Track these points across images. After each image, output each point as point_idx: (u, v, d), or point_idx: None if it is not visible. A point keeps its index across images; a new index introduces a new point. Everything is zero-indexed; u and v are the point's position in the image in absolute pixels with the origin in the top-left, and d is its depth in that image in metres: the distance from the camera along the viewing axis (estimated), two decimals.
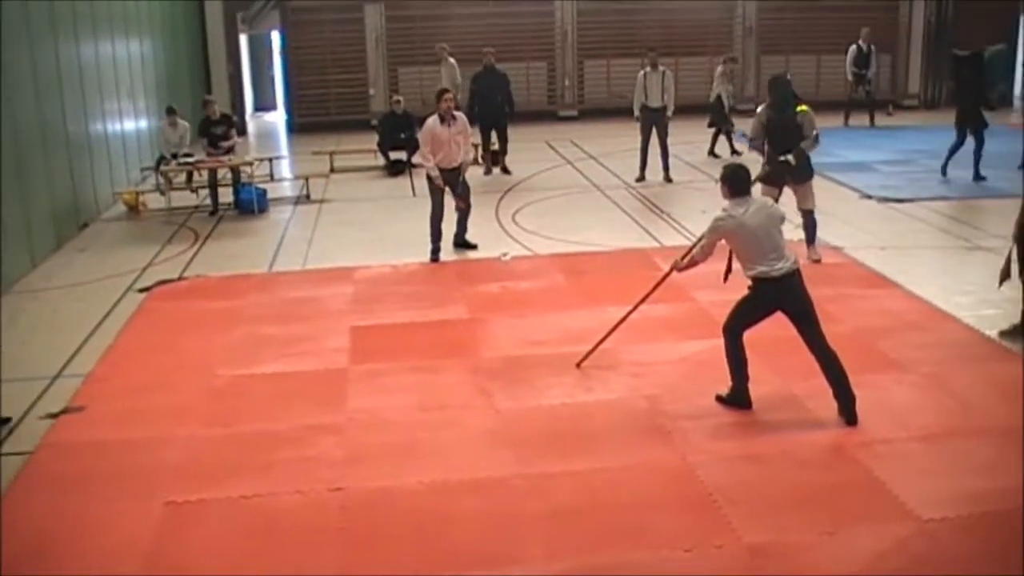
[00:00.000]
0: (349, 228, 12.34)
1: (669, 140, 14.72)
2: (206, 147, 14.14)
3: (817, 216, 10.14)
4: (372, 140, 16.53)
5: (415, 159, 14.70)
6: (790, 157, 9.66)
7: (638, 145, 14.76)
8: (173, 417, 6.74)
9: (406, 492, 5.64)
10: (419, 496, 5.60)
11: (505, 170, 15.59)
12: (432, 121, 10.51)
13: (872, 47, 19.47)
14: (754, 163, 9.21)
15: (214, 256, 11.20)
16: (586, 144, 18.23)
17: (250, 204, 13.33)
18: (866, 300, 8.84)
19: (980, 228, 11.24)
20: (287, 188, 15.09)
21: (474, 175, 12.70)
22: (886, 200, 12.88)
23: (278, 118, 24.15)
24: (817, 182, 10.38)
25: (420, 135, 10.85)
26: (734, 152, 15.98)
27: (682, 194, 13.90)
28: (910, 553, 4.98)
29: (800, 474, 5.78)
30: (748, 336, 6.54)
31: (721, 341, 6.60)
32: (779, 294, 6.34)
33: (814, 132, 9.80)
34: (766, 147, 9.89)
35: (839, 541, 5.07)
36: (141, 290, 9.82)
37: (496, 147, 15.67)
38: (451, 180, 10.58)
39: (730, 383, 6.60)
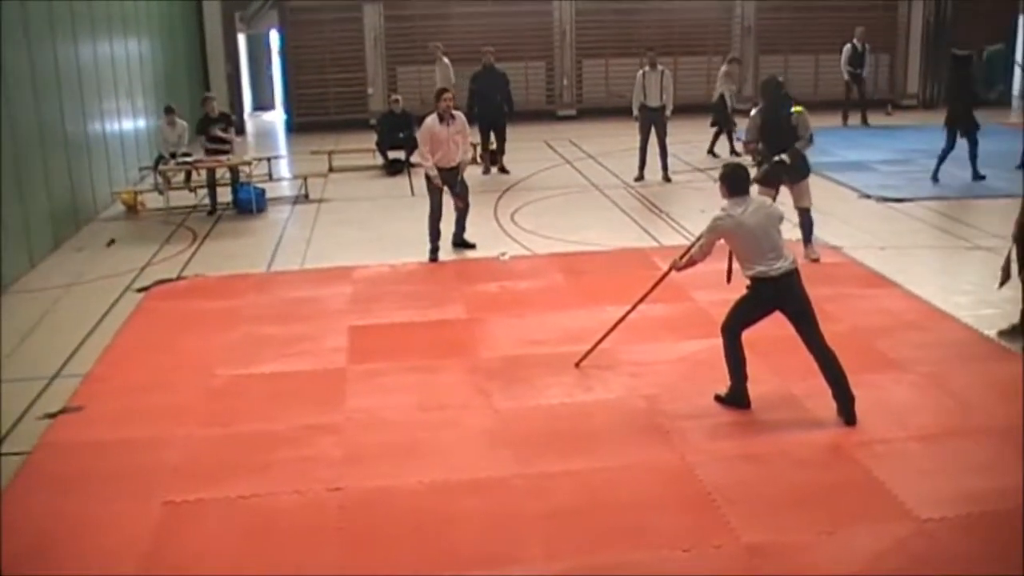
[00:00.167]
0: (348, 228, 12.33)
1: (668, 140, 14.73)
2: (204, 144, 14.14)
3: (814, 215, 10.14)
4: (371, 139, 16.54)
5: (414, 158, 14.68)
6: (785, 157, 9.70)
7: (637, 144, 14.76)
8: (171, 417, 6.74)
9: (405, 492, 5.64)
10: (418, 496, 5.60)
11: (503, 169, 15.58)
12: (431, 120, 10.50)
13: (867, 46, 19.48)
14: (753, 163, 9.22)
15: (212, 256, 11.19)
16: (585, 143, 18.22)
17: (248, 204, 13.33)
18: (865, 300, 8.83)
19: (979, 228, 11.24)
20: (286, 188, 15.09)
21: (473, 174, 12.68)
22: (885, 200, 12.88)
23: (277, 117, 24.16)
24: (816, 182, 10.39)
25: (419, 134, 10.84)
26: (733, 152, 15.97)
27: (681, 193, 13.89)
28: (909, 553, 4.97)
29: (799, 474, 5.78)
30: (747, 336, 6.53)
31: (720, 341, 6.60)
32: (778, 294, 6.34)
33: (808, 133, 9.86)
34: (760, 147, 9.91)
35: (838, 541, 5.07)
36: (139, 290, 9.81)
37: (494, 146, 15.67)
38: (450, 179, 10.57)
39: (729, 383, 6.60)
